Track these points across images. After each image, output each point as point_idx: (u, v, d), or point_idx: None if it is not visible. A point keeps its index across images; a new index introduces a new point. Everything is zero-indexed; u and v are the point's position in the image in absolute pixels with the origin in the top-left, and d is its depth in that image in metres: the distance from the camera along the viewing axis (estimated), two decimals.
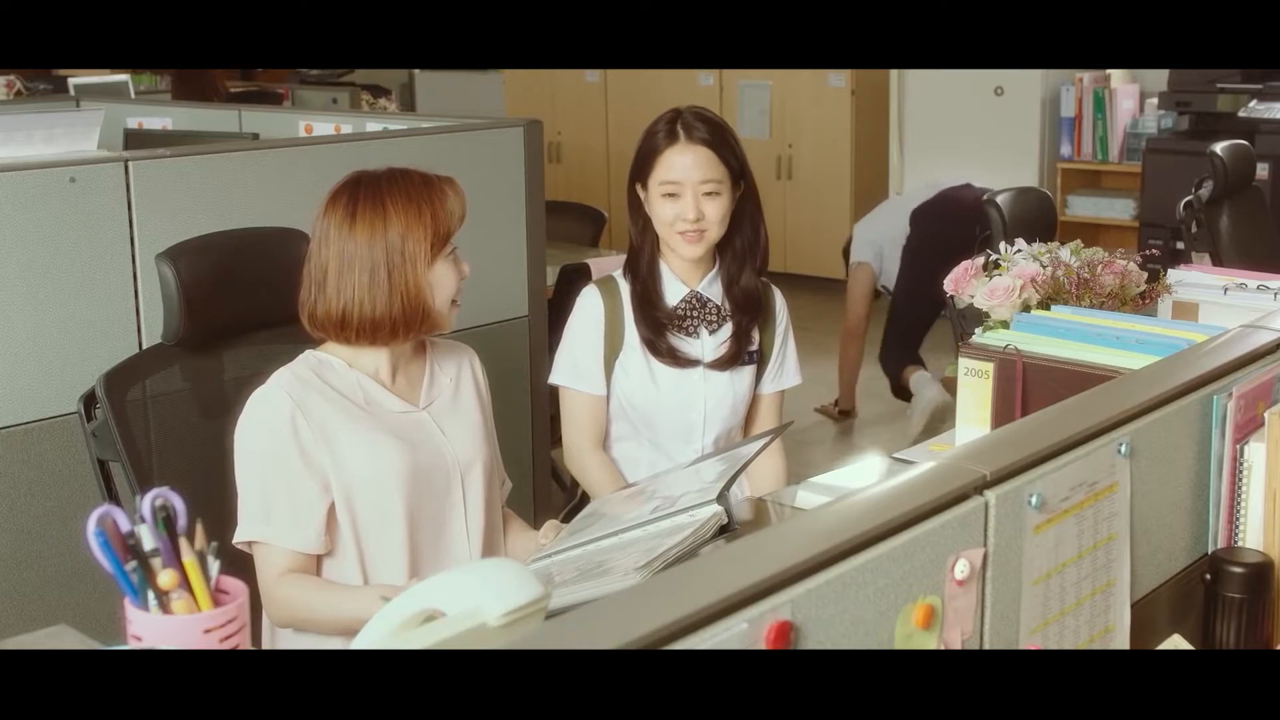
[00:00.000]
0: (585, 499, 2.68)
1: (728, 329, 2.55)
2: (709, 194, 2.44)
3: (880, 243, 5.41)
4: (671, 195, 2.45)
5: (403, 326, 2.05)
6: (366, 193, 2.04)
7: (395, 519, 2.06)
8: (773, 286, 2.63)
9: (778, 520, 2.32)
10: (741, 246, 2.54)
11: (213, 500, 2.07)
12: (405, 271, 2.02)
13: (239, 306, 2.27)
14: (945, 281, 2.45)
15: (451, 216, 2.07)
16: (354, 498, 2.04)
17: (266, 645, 2.11)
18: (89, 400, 2.14)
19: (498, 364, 2.67)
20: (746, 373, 2.57)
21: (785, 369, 2.63)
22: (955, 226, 4.62)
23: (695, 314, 2.53)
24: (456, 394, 2.20)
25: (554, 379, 2.59)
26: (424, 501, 2.09)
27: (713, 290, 2.55)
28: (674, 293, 2.54)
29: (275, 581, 2.02)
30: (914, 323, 5.34)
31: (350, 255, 2.02)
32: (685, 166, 2.44)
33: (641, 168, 2.50)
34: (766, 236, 2.57)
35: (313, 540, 2.02)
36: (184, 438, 2.22)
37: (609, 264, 2.64)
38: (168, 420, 2.21)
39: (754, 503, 2.48)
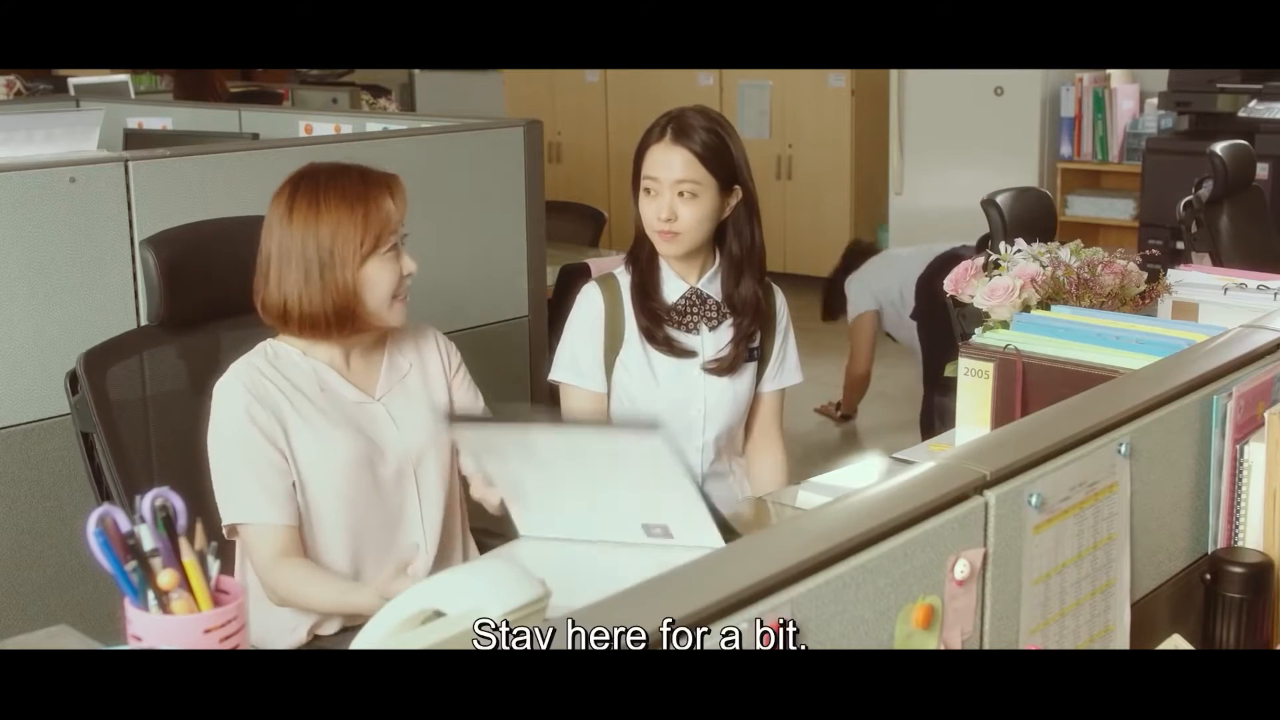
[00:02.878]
0: None
1: (727, 330, 2.54)
2: (685, 195, 2.44)
3: (879, 297, 5.30)
4: (650, 192, 2.46)
5: (337, 324, 2.09)
6: (305, 189, 2.08)
7: (338, 511, 2.11)
8: (773, 285, 2.62)
9: (778, 520, 2.32)
10: (739, 252, 2.53)
11: (190, 474, 2.12)
12: (336, 271, 2.05)
13: (219, 290, 2.32)
14: (945, 281, 2.44)
15: (388, 218, 2.08)
16: (305, 488, 2.09)
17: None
18: (73, 377, 2.23)
19: (498, 364, 2.68)
20: (747, 370, 2.57)
21: (786, 367, 2.63)
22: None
23: (695, 310, 2.53)
24: (418, 379, 2.23)
25: (554, 376, 2.59)
26: (370, 494, 2.13)
27: (712, 288, 2.55)
28: (674, 289, 2.53)
29: (273, 564, 2.06)
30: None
31: (287, 250, 2.07)
32: (663, 165, 2.45)
33: (636, 161, 2.52)
34: (763, 243, 2.56)
35: (292, 512, 2.08)
36: (168, 414, 2.31)
37: (609, 264, 2.64)
38: (153, 398, 2.31)
39: (754, 503, 2.48)
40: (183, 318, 2.32)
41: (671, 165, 2.44)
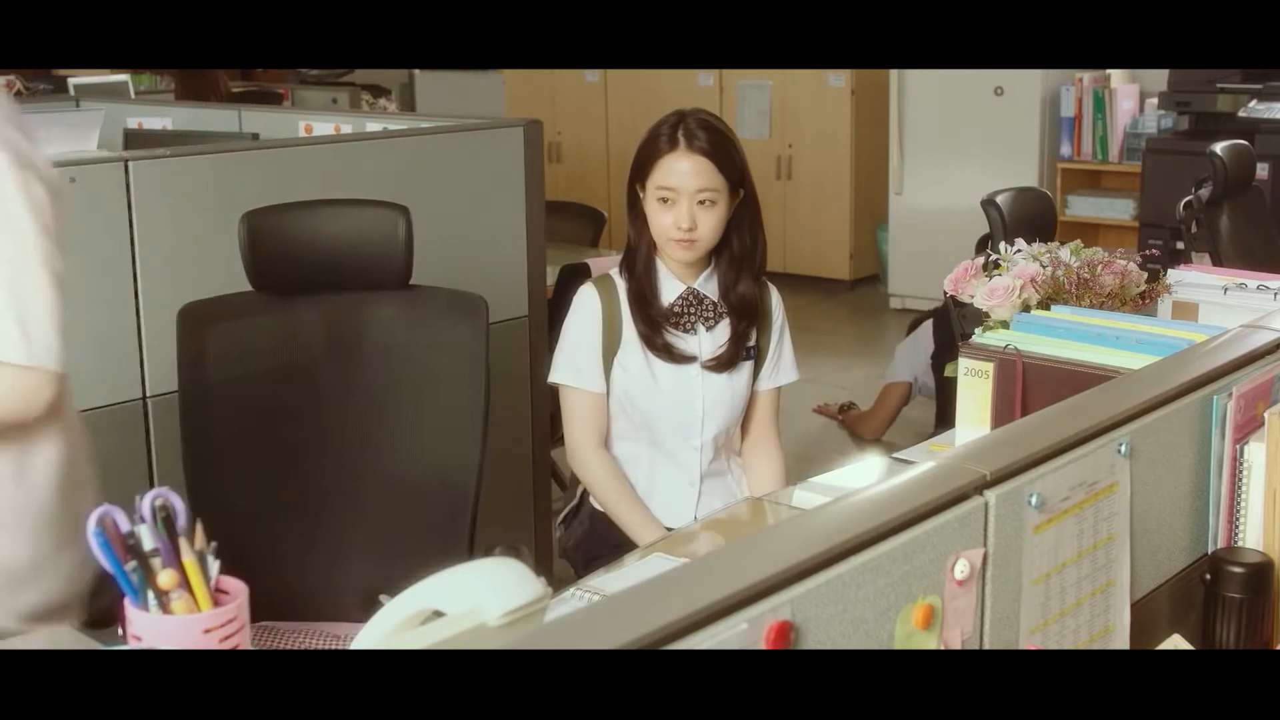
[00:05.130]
0: (585, 498, 2.68)
1: (725, 329, 2.55)
2: (704, 203, 2.44)
3: (916, 369, 5.12)
4: (667, 201, 2.45)
5: None
6: None
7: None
8: (769, 285, 2.63)
9: (777, 520, 2.32)
10: (739, 252, 2.53)
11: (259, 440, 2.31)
12: None
13: (320, 265, 2.41)
14: (945, 281, 2.44)
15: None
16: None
17: None
18: None
19: (498, 364, 2.67)
20: (744, 369, 2.58)
21: (782, 366, 2.64)
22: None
23: (692, 311, 2.54)
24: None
25: (553, 378, 2.59)
26: None
27: (709, 287, 2.55)
28: (671, 290, 2.54)
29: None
30: None
31: None
32: (682, 174, 2.44)
33: (641, 169, 2.50)
34: (765, 243, 2.57)
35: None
36: (250, 379, 2.41)
37: (608, 264, 2.65)
38: (238, 361, 2.40)
39: (753, 503, 2.49)
40: (276, 286, 2.40)
41: (689, 174, 2.43)
